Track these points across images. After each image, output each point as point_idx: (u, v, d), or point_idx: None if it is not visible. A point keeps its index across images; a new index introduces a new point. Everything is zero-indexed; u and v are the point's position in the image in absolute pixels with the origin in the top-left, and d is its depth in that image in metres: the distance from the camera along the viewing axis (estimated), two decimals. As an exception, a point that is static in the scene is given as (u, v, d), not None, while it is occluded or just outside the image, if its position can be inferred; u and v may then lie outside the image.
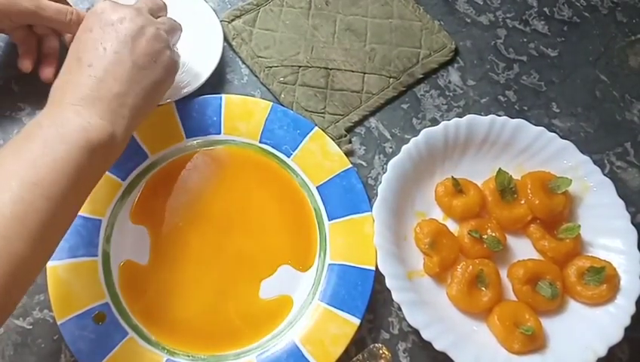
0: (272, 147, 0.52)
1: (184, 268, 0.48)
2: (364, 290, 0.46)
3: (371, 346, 0.46)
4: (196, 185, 0.51)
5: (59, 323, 0.44)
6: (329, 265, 0.48)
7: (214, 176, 0.52)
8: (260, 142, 0.52)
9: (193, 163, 0.52)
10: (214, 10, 0.58)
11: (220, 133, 0.52)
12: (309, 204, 0.50)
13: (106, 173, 0.47)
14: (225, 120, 0.52)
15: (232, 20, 0.61)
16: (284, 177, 0.51)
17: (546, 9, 0.65)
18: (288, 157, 0.51)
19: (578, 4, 0.66)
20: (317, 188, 0.50)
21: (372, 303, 0.49)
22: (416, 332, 0.44)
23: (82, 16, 0.48)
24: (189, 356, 0.45)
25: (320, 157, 0.51)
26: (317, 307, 0.46)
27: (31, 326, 0.47)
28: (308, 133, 0.52)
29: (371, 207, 0.48)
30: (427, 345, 0.43)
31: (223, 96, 0.53)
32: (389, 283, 0.44)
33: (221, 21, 0.58)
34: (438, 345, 0.43)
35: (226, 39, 0.58)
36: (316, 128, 0.52)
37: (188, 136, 0.52)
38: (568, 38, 0.63)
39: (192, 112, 0.52)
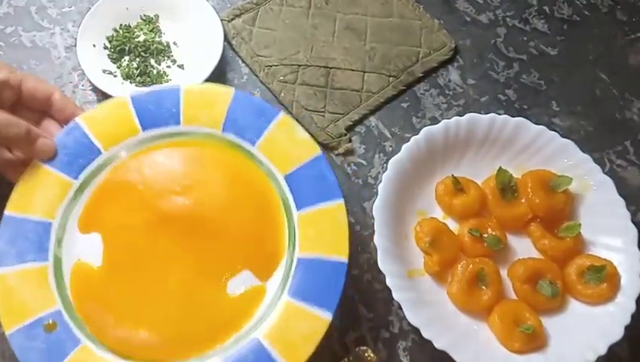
0: (236, 135, 0.48)
1: (142, 270, 0.45)
2: (337, 284, 0.43)
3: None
4: (154, 181, 0.47)
5: (7, 334, 0.41)
6: (298, 258, 0.44)
7: (174, 170, 0.48)
8: (223, 131, 0.48)
9: (151, 158, 0.48)
10: (214, 9, 0.58)
11: (179, 124, 0.48)
12: (276, 195, 0.47)
13: (56, 171, 0.46)
14: (184, 110, 0.48)
15: (232, 19, 0.61)
16: (249, 168, 0.48)
17: (545, 7, 0.65)
18: (253, 145, 0.48)
19: (578, 3, 0.66)
20: (284, 177, 0.47)
21: (372, 302, 0.49)
22: (416, 330, 0.44)
23: (33, 134, 0.45)
24: None
25: (287, 144, 0.47)
26: (286, 303, 0.43)
27: (31, 326, 0.46)
28: (273, 119, 0.48)
29: (343, 195, 0.46)
30: (427, 344, 0.43)
31: (183, 85, 0.49)
32: (389, 281, 0.44)
33: (221, 20, 0.58)
34: (439, 344, 0.43)
35: (225, 38, 0.58)
36: (282, 113, 0.48)
37: (144, 128, 0.48)
38: (568, 37, 0.63)
39: (149, 105, 0.49)
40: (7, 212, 0.44)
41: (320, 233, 0.45)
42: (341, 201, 0.45)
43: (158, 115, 0.48)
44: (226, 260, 0.45)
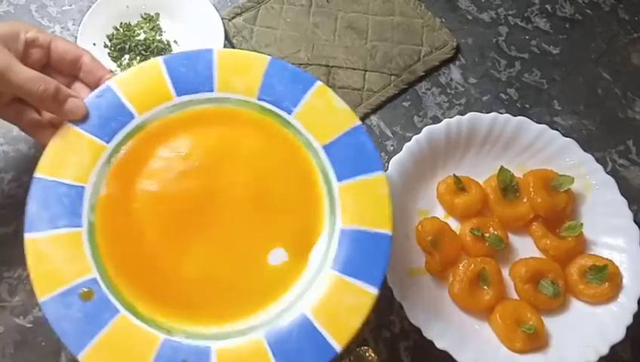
0: (272, 104, 0.46)
1: (180, 234, 0.44)
2: (381, 256, 0.41)
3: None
4: (190, 148, 0.46)
5: (40, 301, 0.39)
6: (340, 230, 0.43)
7: (209, 138, 0.46)
8: (259, 99, 0.47)
9: (186, 124, 0.46)
10: (215, 8, 0.58)
11: (213, 91, 0.47)
12: (315, 166, 0.45)
13: (88, 134, 0.44)
14: (219, 75, 0.47)
15: (233, 18, 0.61)
16: (286, 137, 0.46)
17: (547, 6, 0.65)
18: (290, 114, 0.46)
19: (580, 1, 0.65)
20: (323, 147, 0.45)
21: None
22: (417, 330, 0.44)
23: (63, 93, 0.43)
24: (188, 334, 0.40)
25: (325, 113, 0.46)
26: (329, 276, 0.41)
27: (31, 325, 0.46)
28: (310, 87, 0.46)
29: (384, 167, 0.45)
30: (428, 344, 0.43)
31: (214, 48, 0.48)
32: (390, 281, 0.44)
33: (222, 18, 0.58)
34: (440, 344, 0.43)
35: (226, 37, 0.58)
36: (319, 82, 0.47)
37: (178, 93, 0.46)
38: (570, 36, 0.63)
39: (181, 68, 0.47)
40: (37, 174, 0.42)
41: (362, 205, 0.43)
42: (382, 173, 0.44)
43: (191, 80, 0.47)
44: (267, 230, 0.44)
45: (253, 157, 0.46)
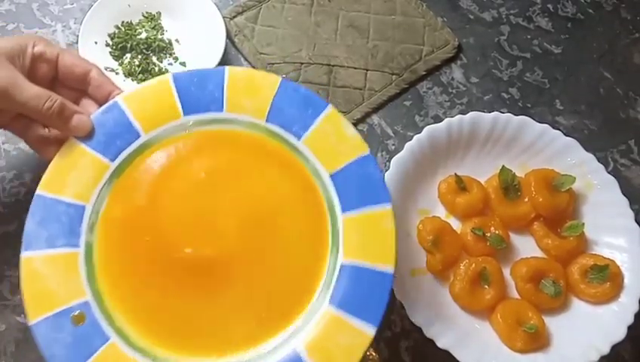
0: (281, 127, 0.45)
1: (178, 264, 0.42)
2: (382, 295, 0.39)
3: None
4: (195, 170, 0.45)
5: (31, 323, 0.38)
6: (342, 265, 0.41)
7: (215, 160, 0.45)
8: (267, 121, 0.45)
9: (191, 145, 0.45)
10: (217, 7, 0.58)
11: (222, 111, 0.46)
12: (321, 195, 0.44)
13: (92, 151, 0.43)
14: (228, 95, 0.46)
15: (235, 17, 0.61)
16: (293, 163, 0.45)
17: (549, 5, 0.65)
18: (299, 139, 0.45)
19: (582, 1, 0.65)
20: (330, 176, 0.44)
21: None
22: (418, 330, 0.44)
23: (69, 110, 0.42)
24: None
25: (334, 140, 0.44)
26: (327, 312, 0.40)
27: (33, 323, 0.46)
28: (321, 112, 0.45)
29: (391, 199, 0.42)
30: (429, 343, 0.43)
31: (226, 68, 0.47)
32: (391, 280, 0.44)
33: (223, 17, 0.58)
34: (441, 343, 0.43)
35: (228, 36, 0.58)
36: (331, 107, 0.45)
37: (186, 113, 0.45)
38: (572, 35, 0.63)
39: (191, 86, 0.46)
40: (39, 191, 0.42)
41: (365, 239, 0.42)
42: (389, 206, 0.42)
43: (200, 99, 0.46)
44: (269, 262, 0.43)
45: (260, 182, 0.45)
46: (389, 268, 0.40)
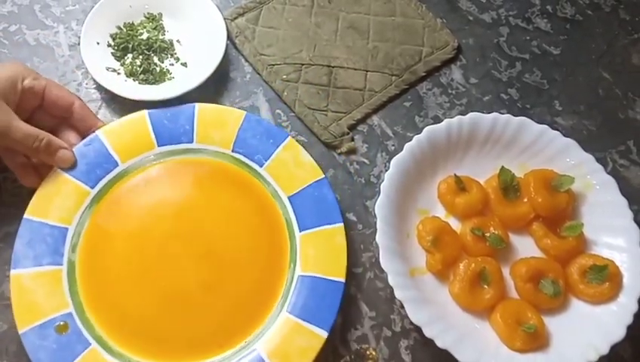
0: (245, 156, 0.51)
1: (151, 276, 0.47)
2: (333, 303, 0.45)
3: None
4: (167, 195, 0.50)
5: (20, 332, 0.43)
6: (299, 276, 0.47)
7: (185, 185, 0.51)
8: (233, 151, 0.51)
9: (164, 172, 0.51)
10: (218, 8, 0.58)
11: (192, 142, 0.52)
12: (280, 215, 0.50)
13: (75, 180, 0.48)
14: (198, 128, 0.52)
15: (235, 18, 0.61)
16: (256, 187, 0.51)
17: (548, 7, 0.65)
18: (261, 166, 0.51)
19: (581, 2, 0.66)
20: (289, 198, 0.50)
21: (374, 300, 0.49)
22: (418, 329, 0.44)
23: (54, 146, 0.48)
24: None
25: (292, 166, 0.51)
26: (285, 320, 0.45)
27: (34, 323, 0.47)
28: (281, 143, 0.51)
29: (344, 217, 0.49)
30: (429, 343, 0.43)
31: (197, 105, 0.52)
32: (391, 280, 0.44)
33: (224, 19, 0.59)
34: (440, 343, 0.43)
35: (229, 37, 0.58)
36: (289, 138, 0.51)
37: (160, 144, 0.51)
38: (571, 36, 0.63)
39: (164, 120, 0.52)
40: (26, 215, 0.47)
41: (320, 254, 0.47)
42: (341, 224, 0.48)
43: (173, 132, 0.52)
44: (234, 276, 0.48)
45: (225, 204, 0.50)
46: (340, 279, 0.46)
